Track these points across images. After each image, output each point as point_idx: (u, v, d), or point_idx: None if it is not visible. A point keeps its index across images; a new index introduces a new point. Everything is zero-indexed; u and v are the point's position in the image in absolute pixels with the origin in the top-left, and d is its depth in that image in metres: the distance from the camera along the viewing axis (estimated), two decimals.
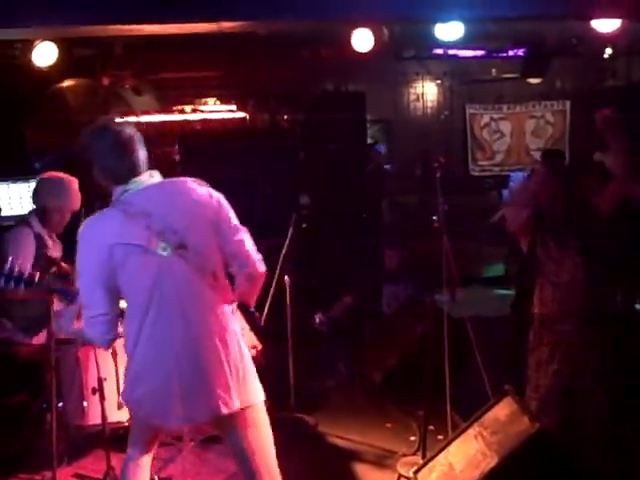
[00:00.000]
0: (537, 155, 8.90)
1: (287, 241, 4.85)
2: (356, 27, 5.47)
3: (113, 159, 2.62)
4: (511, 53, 8.17)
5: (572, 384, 3.44)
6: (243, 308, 2.83)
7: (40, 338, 4.15)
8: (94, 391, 3.86)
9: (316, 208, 7.36)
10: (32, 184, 4.59)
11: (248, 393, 2.68)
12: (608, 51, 7.81)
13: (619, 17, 4.92)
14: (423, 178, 8.51)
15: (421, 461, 3.74)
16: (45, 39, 5.24)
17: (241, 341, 2.72)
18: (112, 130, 2.65)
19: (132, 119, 7.20)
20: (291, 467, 2.91)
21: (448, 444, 3.53)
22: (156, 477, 3.68)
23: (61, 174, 4.28)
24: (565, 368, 3.45)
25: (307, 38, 6.87)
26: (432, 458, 3.56)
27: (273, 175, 6.82)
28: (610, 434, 3.39)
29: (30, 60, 5.36)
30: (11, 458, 4.10)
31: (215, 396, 2.60)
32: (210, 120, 7.80)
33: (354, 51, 5.67)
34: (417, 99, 9.60)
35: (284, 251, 4.81)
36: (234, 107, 7.96)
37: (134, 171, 2.63)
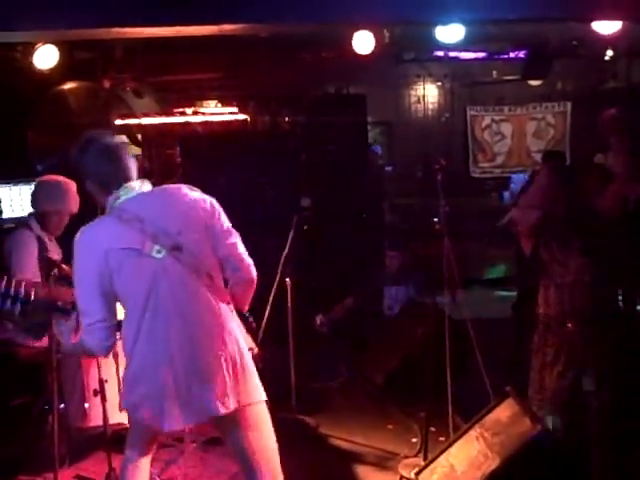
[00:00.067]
0: (538, 157, 8.89)
1: (288, 243, 4.86)
2: (357, 29, 5.47)
3: (102, 165, 2.67)
4: (512, 55, 8.18)
5: (576, 385, 3.44)
6: (237, 313, 2.84)
7: (43, 340, 4.15)
8: (95, 393, 3.86)
9: (317, 210, 7.35)
10: (33, 186, 4.59)
11: (247, 392, 2.68)
12: (609, 53, 7.81)
13: (620, 19, 4.92)
14: (424, 180, 8.50)
15: (422, 462, 3.75)
16: (46, 42, 5.25)
17: (240, 340, 2.72)
18: (98, 140, 2.71)
19: (133, 121, 7.23)
20: (292, 469, 2.91)
21: (449, 445, 3.54)
22: (157, 479, 3.68)
23: (59, 177, 4.28)
24: (569, 369, 3.44)
25: (308, 40, 6.88)
26: (433, 459, 3.56)
27: (274, 177, 6.82)
28: (610, 434, 3.39)
29: (31, 63, 5.37)
30: (12, 459, 4.10)
31: (212, 396, 2.60)
32: (211, 122, 7.80)
33: (355, 53, 5.67)
34: (418, 101, 9.61)
35: (285, 253, 4.82)
36: (235, 109, 7.96)
37: (124, 176, 2.68)
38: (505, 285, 7.85)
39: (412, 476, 3.63)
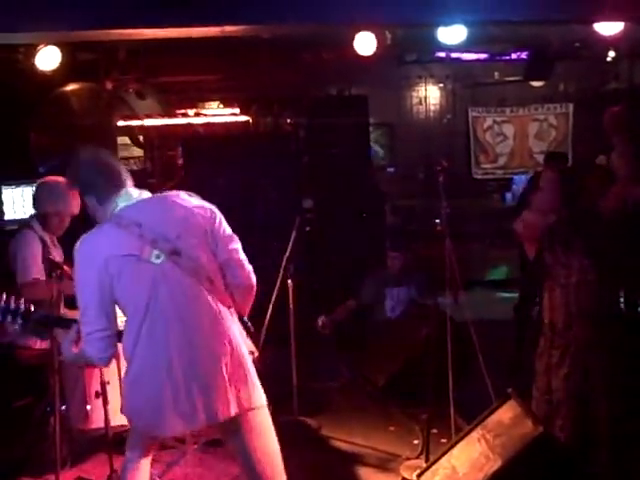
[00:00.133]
0: (540, 158, 8.89)
1: (290, 244, 4.86)
2: (359, 31, 5.46)
3: (96, 173, 2.71)
4: (514, 56, 8.19)
5: (582, 387, 3.43)
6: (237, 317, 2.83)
7: (44, 343, 4.15)
8: (97, 395, 3.86)
9: (319, 211, 7.37)
10: (35, 187, 4.60)
11: (249, 397, 2.67)
12: (611, 54, 7.83)
13: (622, 20, 4.92)
14: (426, 181, 8.51)
15: (424, 464, 3.73)
16: (48, 43, 5.26)
17: (242, 344, 2.71)
18: (88, 152, 2.77)
19: (135, 123, 7.24)
20: (293, 470, 2.90)
21: (451, 447, 3.53)
22: None
23: (60, 178, 4.28)
24: (575, 371, 3.44)
25: (310, 42, 6.89)
26: (435, 461, 3.55)
27: (276, 179, 6.82)
28: (612, 435, 3.38)
29: (33, 64, 5.37)
30: (14, 461, 4.10)
31: (212, 402, 2.59)
32: (213, 124, 7.83)
33: (357, 55, 5.67)
34: (420, 102, 9.60)
35: (287, 254, 4.82)
36: (237, 111, 7.98)
37: (119, 181, 2.71)
38: (507, 287, 7.85)
39: (414, 478, 3.62)
